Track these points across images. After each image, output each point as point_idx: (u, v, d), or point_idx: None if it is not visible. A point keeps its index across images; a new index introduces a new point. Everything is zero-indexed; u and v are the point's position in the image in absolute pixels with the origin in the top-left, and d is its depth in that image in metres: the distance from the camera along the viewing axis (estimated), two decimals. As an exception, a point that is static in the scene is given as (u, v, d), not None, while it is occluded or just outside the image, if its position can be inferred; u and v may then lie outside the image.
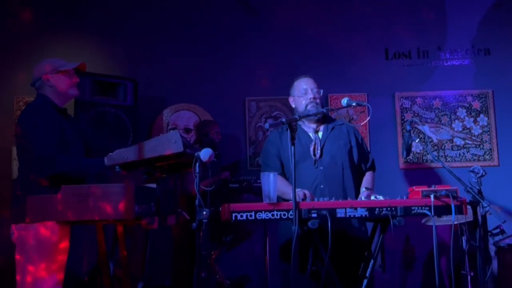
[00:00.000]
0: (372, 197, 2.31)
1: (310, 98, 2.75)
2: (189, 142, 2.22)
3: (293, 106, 2.88)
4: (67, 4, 4.43)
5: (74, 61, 2.61)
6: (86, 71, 2.80)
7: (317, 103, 2.76)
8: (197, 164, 1.98)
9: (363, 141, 2.93)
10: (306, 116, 2.55)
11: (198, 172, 1.98)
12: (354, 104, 2.53)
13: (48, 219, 2.09)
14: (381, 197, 2.27)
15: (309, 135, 2.79)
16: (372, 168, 2.85)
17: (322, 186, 2.64)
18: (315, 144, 2.72)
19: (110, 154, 2.22)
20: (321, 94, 2.84)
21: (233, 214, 2.06)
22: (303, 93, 2.78)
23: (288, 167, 2.74)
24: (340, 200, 2.40)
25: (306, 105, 2.74)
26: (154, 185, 2.35)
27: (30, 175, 2.29)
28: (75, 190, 2.03)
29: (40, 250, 2.20)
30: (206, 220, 1.94)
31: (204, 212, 1.94)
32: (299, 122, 2.80)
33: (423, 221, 3.44)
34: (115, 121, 3.87)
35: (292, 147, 2.09)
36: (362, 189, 2.68)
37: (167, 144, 2.13)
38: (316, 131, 2.79)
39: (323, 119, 2.83)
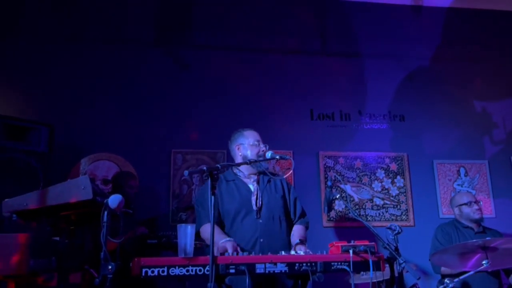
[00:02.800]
0: (292, 252, 2.24)
1: (263, 150, 2.78)
2: (101, 190, 2.05)
3: (239, 153, 2.83)
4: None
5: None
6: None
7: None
8: (106, 212, 1.81)
9: (295, 192, 2.93)
10: (229, 165, 2.49)
11: (105, 222, 1.81)
12: (277, 157, 2.55)
13: None
14: (301, 252, 2.21)
15: (248, 186, 2.76)
16: (303, 219, 2.83)
17: (262, 240, 2.58)
18: (257, 194, 2.70)
19: (6, 200, 1.97)
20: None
21: (143, 270, 1.88)
22: (256, 144, 2.81)
23: (226, 220, 2.68)
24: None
25: (260, 156, 2.75)
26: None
27: None
28: (-44, 240, 1.76)
29: None
30: (111, 276, 1.74)
31: (110, 267, 1.74)
32: (239, 173, 2.79)
33: (346, 278, 3.42)
34: (25, 169, 3.53)
35: (212, 196, 1.99)
36: (297, 240, 2.60)
37: (75, 190, 1.95)
38: (257, 182, 2.78)
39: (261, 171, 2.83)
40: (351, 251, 2.12)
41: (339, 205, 4.30)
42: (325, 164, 4.42)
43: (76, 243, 2.42)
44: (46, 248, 1.99)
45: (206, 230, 2.59)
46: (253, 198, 2.70)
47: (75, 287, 3.33)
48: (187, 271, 1.94)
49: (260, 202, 2.69)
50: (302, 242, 2.59)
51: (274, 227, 2.66)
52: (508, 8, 5.17)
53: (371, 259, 2.13)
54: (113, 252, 1.97)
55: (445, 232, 3.67)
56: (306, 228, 2.83)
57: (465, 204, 3.69)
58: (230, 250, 2.24)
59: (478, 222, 3.68)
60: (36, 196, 1.95)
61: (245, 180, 2.80)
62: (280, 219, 2.71)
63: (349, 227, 4.27)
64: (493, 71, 5.00)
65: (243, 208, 2.66)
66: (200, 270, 1.95)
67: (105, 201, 1.83)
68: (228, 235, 2.58)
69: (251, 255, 2.09)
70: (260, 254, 2.30)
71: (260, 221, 2.64)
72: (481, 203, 3.74)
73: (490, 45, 5.06)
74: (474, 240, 2.61)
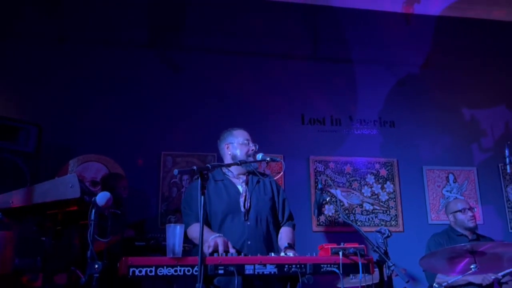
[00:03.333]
0: (282, 254, 2.23)
1: (253, 150, 2.77)
2: (89, 189, 2.02)
3: (229, 152, 2.81)
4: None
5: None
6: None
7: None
8: (93, 210, 1.78)
9: (283, 193, 2.91)
10: (219, 165, 2.48)
11: (93, 220, 1.78)
12: (268, 159, 2.55)
13: None
14: (290, 254, 2.20)
15: (237, 187, 2.74)
16: (291, 221, 2.82)
17: (249, 242, 2.56)
18: (245, 195, 2.68)
19: (-9, 197, 1.94)
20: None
21: (131, 269, 1.85)
22: (246, 143, 2.79)
23: (214, 221, 2.65)
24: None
25: (249, 155, 2.74)
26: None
27: None
28: None
29: None
30: (97, 275, 1.70)
31: (96, 266, 1.71)
32: (228, 173, 2.77)
33: (335, 282, 3.42)
34: (11, 168, 3.47)
35: (202, 196, 1.97)
36: (285, 244, 2.59)
37: (62, 188, 1.92)
38: (246, 183, 2.76)
39: (251, 171, 2.82)
40: (340, 253, 2.12)
41: (328, 210, 4.30)
42: (315, 169, 4.42)
43: (62, 244, 2.39)
44: (31, 247, 1.96)
45: (194, 229, 2.56)
46: (241, 200, 2.68)
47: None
48: (175, 271, 1.91)
49: (249, 204, 2.67)
50: (290, 246, 2.59)
51: (262, 230, 2.64)
52: (496, 18, 5.26)
53: (360, 261, 2.12)
54: (100, 253, 1.94)
55: (438, 243, 3.67)
56: (294, 229, 2.81)
57: (459, 211, 3.68)
58: (221, 248, 2.22)
59: (473, 230, 3.67)
60: (22, 194, 1.92)
61: (234, 180, 2.78)
62: (267, 221, 2.69)
63: (338, 232, 4.26)
64: (481, 80, 5.06)
65: (231, 210, 2.64)
66: (188, 271, 1.93)
67: (93, 199, 1.81)
68: None
69: (240, 255, 2.07)
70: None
71: (248, 223, 2.62)
72: (475, 209, 3.73)
73: (479, 54, 5.13)
74: (462, 244, 2.62)
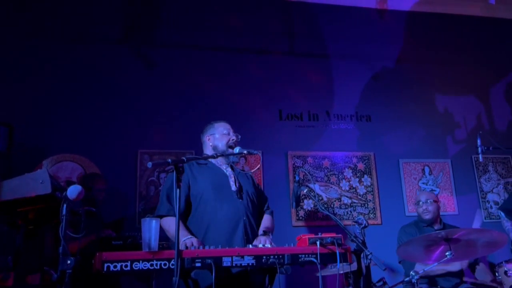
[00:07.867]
0: (260, 245, 2.22)
1: (233, 139, 2.83)
2: (60, 185, 1.97)
3: (210, 144, 2.86)
4: None
5: None
6: None
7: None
8: (65, 205, 1.74)
9: (260, 186, 2.98)
10: (194, 158, 2.46)
11: (64, 215, 1.73)
12: (245, 152, 2.55)
13: None
14: (268, 245, 2.20)
15: (222, 171, 2.78)
16: (269, 209, 2.90)
17: (244, 218, 2.59)
18: (234, 177, 2.74)
19: (-42, 195, 1.87)
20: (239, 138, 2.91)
21: (105, 264, 1.81)
22: (226, 133, 2.85)
23: (200, 203, 2.60)
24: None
25: (230, 146, 2.80)
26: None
27: None
28: None
29: None
30: (70, 271, 1.66)
31: (69, 261, 1.67)
32: (212, 160, 2.79)
33: (316, 272, 3.43)
34: (-19, 169, 3.38)
35: (178, 189, 1.95)
36: (261, 232, 2.64)
37: (33, 184, 1.86)
38: (231, 168, 2.83)
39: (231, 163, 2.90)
40: (318, 243, 2.12)
41: (307, 205, 4.32)
42: (294, 164, 4.44)
43: (35, 243, 2.33)
44: (2, 246, 1.89)
45: (168, 222, 2.50)
46: (231, 180, 2.72)
47: (33, 288, 3.19)
48: (152, 265, 1.88)
49: (238, 184, 2.72)
50: (265, 233, 2.63)
51: (254, 208, 2.71)
52: (466, 13, 5.39)
53: (338, 250, 2.13)
54: (73, 254, 1.89)
55: (408, 233, 3.75)
56: (272, 217, 2.90)
57: (417, 203, 3.86)
58: (195, 245, 2.20)
59: (429, 221, 3.76)
60: (-10, 191, 1.86)
61: (219, 165, 2.83)
62: (255, 203, 2.76)
63: (318, 226, 4.27)
64: (454, 73, 5.17)
65: (221, 188, 2.65)
66: (165, 264, 1.91)
67: (63, 194, 1.76)
68: (201, 219, 2.55)
69: (217, 248, 2.05)
70: (243, 234, 2.37)
71: (241, 201, 2.66)
72: (430, 201, 3.78)
73: (451, 48, 5.24)
74: (437, 231, 2.67)
